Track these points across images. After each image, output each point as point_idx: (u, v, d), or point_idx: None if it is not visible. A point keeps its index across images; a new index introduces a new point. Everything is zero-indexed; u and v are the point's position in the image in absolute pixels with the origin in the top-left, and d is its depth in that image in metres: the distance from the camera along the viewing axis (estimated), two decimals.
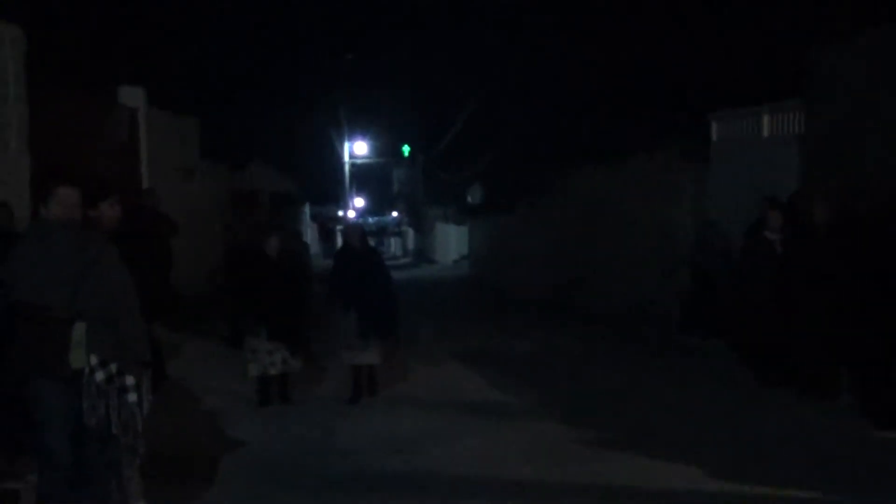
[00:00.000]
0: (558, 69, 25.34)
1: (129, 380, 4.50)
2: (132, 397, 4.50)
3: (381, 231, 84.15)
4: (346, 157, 46.73)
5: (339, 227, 49.02)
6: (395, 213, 73.74)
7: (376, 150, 54.08)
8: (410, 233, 63.30)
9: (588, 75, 23.16)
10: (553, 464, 6.42)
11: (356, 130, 48.82)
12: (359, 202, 68.90)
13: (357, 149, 49.79)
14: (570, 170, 20.21)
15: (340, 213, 50.03)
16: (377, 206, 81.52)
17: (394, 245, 71.58)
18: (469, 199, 46.05)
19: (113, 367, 4.43)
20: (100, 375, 4.40)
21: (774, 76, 14.44)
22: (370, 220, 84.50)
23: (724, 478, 5.90)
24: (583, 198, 18.92)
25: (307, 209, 37.13)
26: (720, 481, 5.85)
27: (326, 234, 46.62)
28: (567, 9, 23.83)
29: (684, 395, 8.79)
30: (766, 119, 13.16)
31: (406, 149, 52.70)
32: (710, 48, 18.58)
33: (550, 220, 21.65)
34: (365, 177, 61.69)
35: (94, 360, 4.38)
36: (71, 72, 13.22)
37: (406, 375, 10.13)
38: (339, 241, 43.63)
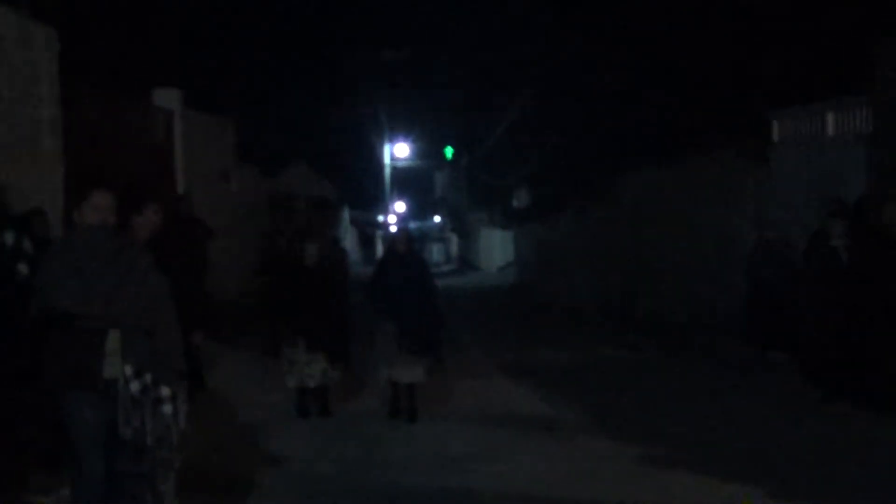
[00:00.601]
0: (609, 66, 25.16)
1: (165, 391, 4.52)
2: (167, 409, 4.52)
3: (424, 237, 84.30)
4: (387, 160, 46.68)
5: (379, 233, 49.13)
6: (437, 218, 73.69)
7: (418, 153, 53.90)
8: (454, 238, 63.35)
9: (642, 73, 22.97)
10: (604, 482, 6.35)
11: (397, 132, 48.67)
12: (400, 207, 69.04)
13: (398, 151, 49.66)
14: (621, 172, 20.03)
15: (381, 218, 50.12)
16: (419, 210, 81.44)
17: (436, 251, 71.54)
18: (515, 202, 45.90)
19: (148, 378, 4.45)
20: (134, 386, 4.42)
21: (839, 71, 14.21)
22: (412, 225, 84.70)
23: (784, 498, 5.79)
24: (635, 201, 18.74)
25: (346, 214, 37.28)
26: (779, 502, 5.74)
27: (366, 240, 46.74)
28: (620, 4, 23.67)
29: (743, 410, 8.66)
30: (830, 117, 12.94)
31: (449, 151, 52.56)
32: (770, 43, 18.34)
33: (601, 225, 21.46)
34: (406, 180, 61.70)
35: (128, 369, 4.41)
36: (106, 73, 13.44)
37: (451, 388, 10.10)
38: (380, 247, 43.79)
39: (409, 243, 9.19)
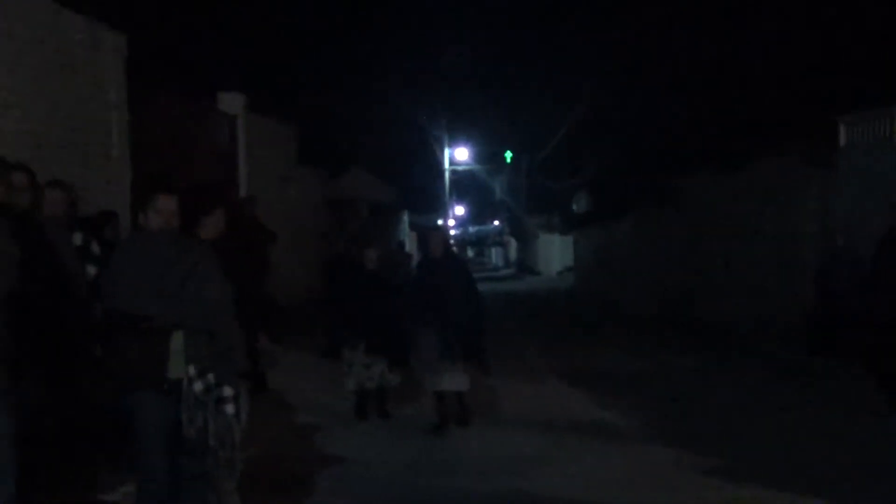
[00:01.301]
0: (670, 70, 24.93)
1: (227, 391, 4.57)
2: (230, 409, 4.57)
3: (482, 241, 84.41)
4: (447, 164, 46.74)
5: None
6: (496, 223, 73.66)
7: (477, 157, 53.88)
8: (512, 243, 63.22)
9: (703, 76, 22.72)
10: (660, 490, 6.27)
11: (457, 136, 48.72)
12: (459, 211, 69.14)
13: (458, 155, 49.72)
14: (683, 177, 19.83)
15: (440, 222, 50.20)
16: (478, 214, 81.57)
17: (495, 255, 71.62)
18: (574, 207, 45.64)
19: (211, 378, 4.51)
20: (198, 386, 4.48)
21: None
22: (471, 229, 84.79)
23: None
24: (697, 207, 18.53)
25: (406, 217, 37.37)
26: None
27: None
28: (682, 6, 23.44)
29: (806, 419, 8.48)
30: None
31: (508, 155, 52.48)
32: (836, 45, 17.98)
33: (662, 230, 21.26)
34: (465, 184, 61.77)
35: (192, 370, 4.47)
36: (172, 79, 13.68)
37: (508, 392, 10.08)
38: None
39: (446, 245, 8.86)
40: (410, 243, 32.88)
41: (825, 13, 18.73)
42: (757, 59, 20.97)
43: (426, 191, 48.95)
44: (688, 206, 19.20)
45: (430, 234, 9.14)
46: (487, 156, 54.67)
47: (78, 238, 5.46)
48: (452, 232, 58.16)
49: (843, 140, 13.80)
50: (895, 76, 14.56)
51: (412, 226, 37.53)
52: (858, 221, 11.97)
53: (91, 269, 5.35)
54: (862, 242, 11.04)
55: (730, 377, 11.17)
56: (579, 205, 45.24)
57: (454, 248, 8.90)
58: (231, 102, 13.67)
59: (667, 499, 6.08)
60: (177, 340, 4.46)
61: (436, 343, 8.09)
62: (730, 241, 16.47)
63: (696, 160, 20.43)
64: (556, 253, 44.58)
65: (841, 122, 13.83)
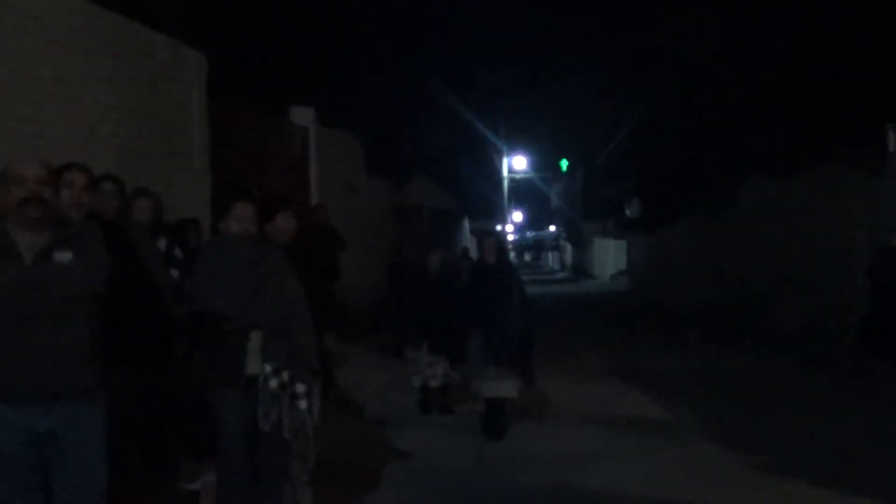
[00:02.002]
0: (720, 79, 24.58)
1: (301, 387, 4.62)
2: (303, 404, 4.62)
3: (539, 245, 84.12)
4: (505, 172, 46.80)
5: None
6: (552, 228, 73.42)
7: (535, 165, 53.99)
8: (568, 247, 62.88)
9: (752, 85, 22.36)
10: (712, 487, 6.15)
11: (515, 145, 48.83)
12: (517, 216, 68.98)
13: (516, 164, 49.78)
14: (734, 183, 19.59)
15: (499, 228, 50.20)
16: (535, 220, 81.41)
17: (551, 259, 71.23)
18: (627, 213, 45.35)
19: (286, 375, 4.56)
20: (273, 383, 4.53)
21: None
22: (528, 234, 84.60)
23: None
24: (749, 211, 18.27)
25: (467, 223, 37.42)
26: None
27: None
28: (731, 20, 23.13)
29: (857, 418, 8.28)
30: None
31: (564, 163, 52.42)
32: (885, 51, 17.54)
33: (714, 235, 21.01)
34: (523, 191, 61.73)
35: (268, 368, 4.52)
36: (248, 94, 13.88)
37: (566, 391, 10.01)
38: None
39: (500, 252, 8.65)
40: (472, 248, 32.89)
41: (871, 23, 18.31)
42: (807, 68, 20.57)
43: (486, 198, 49.06)
44: (740, 212, 18.96)
45: (485, 239, 9.03)
46: (544, 164, 54.73)
47: (162, 243, 5.56)
48: (511, 237, 58.08)
49: (892, 146, 13.46)
50: None
51: (472, 231, 37.57)
52: None
53: (174, 273, 5.44)
54: None
55: (782, 377, 10.95)
56: (632, 210, 44.96)
57: (509, 255, 8.67)
58: (302, 115, 13.80)
59: (721, 496, 5.96)
60: (254, 340, 4.51)
61: (482, 347, 7.90)
62: (780, 246, 16.18)
63: (746, 167, 20.15)
64: (610, 257, 44.19)
65: (891, 129, 13.49)
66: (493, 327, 7.86)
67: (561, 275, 57.10)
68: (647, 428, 8.18)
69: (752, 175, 18.69)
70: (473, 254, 30.61)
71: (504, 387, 7.73)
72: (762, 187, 17.57)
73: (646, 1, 30.74)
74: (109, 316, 3.71)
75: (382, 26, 27.67)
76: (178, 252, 5.80)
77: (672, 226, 26.64)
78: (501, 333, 7.86)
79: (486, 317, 7.88)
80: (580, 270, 52.14)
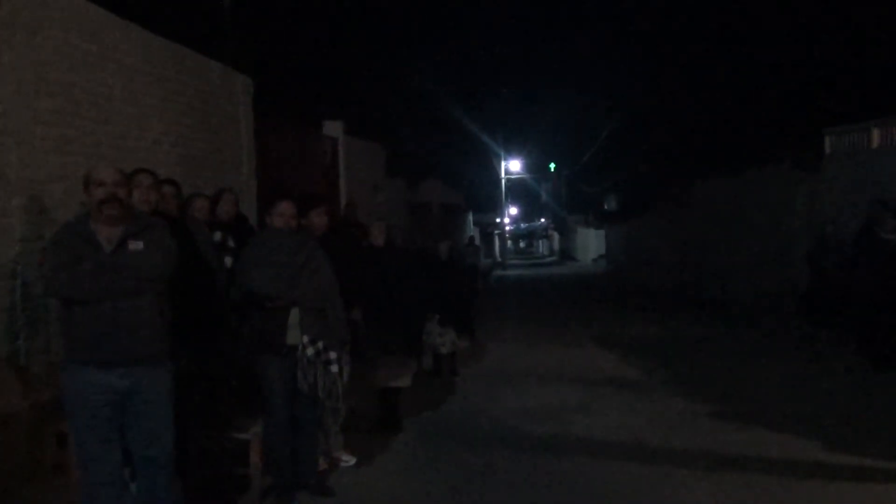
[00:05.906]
0: (683, 91, 24.47)
1: (332, 355, 4.64)
2: (334, 368, 4.65)
3: (532, 234, 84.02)
4: (503, 173, 46.93)
5: (496, 232, 49.31)
6: (542, 220, 73.33)
7: (528, 167, 54.10)
8: (556, 236, 62.97)
9: (711, 95, 22.28)
10: (679, 433, 6.17)
11: (511, 151, 49.16)
12: (513, 211, 68.91)
13: (511, 166, 49.99)
14: (694, 181, 19.65)
15: (497, 220, 50.24)
16: (528, 214, 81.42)
17: (542, 246, 71.22)
18: (606, 206, 45.31)
19: (320, 345, 4.59)
20: (310, 351, 4.56)
21: (881, 92, 13.42)
22: (522, 225, 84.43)
23: (839, 451, 5.49)
24: (705, 205, 18.31)
25: (470, 217, 37.38)
26: (835, 454, 5.45)
27: (486, 237, 46.96)
28: (694, 37, 22.99)
29: (799, 376, 8.27)
30: (875, 132, 12.24)
31: (552, 166, 52.55)
32: (821, 69, 17.45)
33: (677, 225, 21.05)
34: (518, 189, 61.67)
35: (305, 338, 4.55)
36: (287, 110, 13.87)
37: (554, 355, 10.02)
38: (497, 244, 43.57)
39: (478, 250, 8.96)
40: (476, 238, 32.87)
41: (818, 40, 18.19)
42: (756, 80, 20.49)
43: (486, 195, 49.15)
44: (698, 205, 18.97)
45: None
46: (536, 166, 54.85)
47: (217, 236, 5.57)
48: (508, 228, 57.99)
49: (828, 149, 13.39)
50: (872, 96, 14.04)
51: (475, 223, 37.57)
52: (841, 218, 11.61)
53: (228, 260, 5.45)
54: (844, 233, 10.71)
55: (737, 343, 10.93)
56: (609, 204, 44.93)
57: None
58: (333, 128, 13.79)
59: (683, 440, 5.98)
60: (294, 316, 4.54)
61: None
62: (732, 234, 16.16)
63: (704, 166, 20.15)
64: (591, 243, 44.26)
65: (826, 133, 13.44)
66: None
67: (550, 259, 57.11)
68: (623, 385, 8.20)
69: (709, 174, 18.73)
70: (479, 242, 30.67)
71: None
72: (718, 184, 17.57)
73: (617, 37, 30.68)
74: (174, 295, 3.75)
75: (403, 54, 27.71)
76: (230, 243, 5.81)
77: (643, 217, 26.64)
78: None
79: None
80: (566, 255, 52.20)
